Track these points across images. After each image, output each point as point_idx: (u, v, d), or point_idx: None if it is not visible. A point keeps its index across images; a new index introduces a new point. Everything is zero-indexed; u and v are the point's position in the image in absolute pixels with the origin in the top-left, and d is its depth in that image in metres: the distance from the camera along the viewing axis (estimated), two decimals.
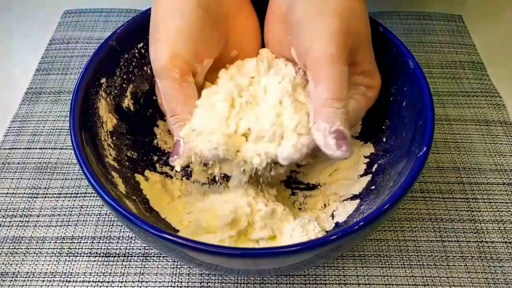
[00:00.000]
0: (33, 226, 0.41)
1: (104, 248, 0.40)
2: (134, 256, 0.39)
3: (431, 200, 0.43)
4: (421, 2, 0.61)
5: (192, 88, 0.34)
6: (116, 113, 0.39)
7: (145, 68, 0.41)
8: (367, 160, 0.40)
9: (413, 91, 0.35)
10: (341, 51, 0.31)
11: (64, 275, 0.38)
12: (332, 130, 0.29)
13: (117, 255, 0.39)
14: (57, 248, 0.40)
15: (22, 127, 0.48)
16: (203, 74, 0.36)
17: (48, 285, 0.38)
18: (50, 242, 0.40)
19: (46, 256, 0.39)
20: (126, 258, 0.39)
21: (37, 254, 0.39)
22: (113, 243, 0.40)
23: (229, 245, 0.34)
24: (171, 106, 0.34)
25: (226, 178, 0.38)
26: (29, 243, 0.40)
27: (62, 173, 0.45)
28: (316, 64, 0.31)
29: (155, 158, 0.41)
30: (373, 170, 0.39)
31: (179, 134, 0.33)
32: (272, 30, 0.38)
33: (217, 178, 0.36)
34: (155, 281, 0.38)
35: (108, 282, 0.38)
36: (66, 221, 0.41)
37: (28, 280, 0.38)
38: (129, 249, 0.40)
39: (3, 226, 0.41)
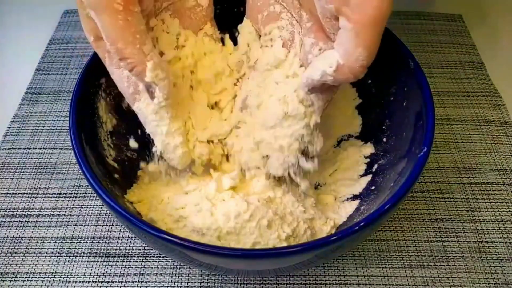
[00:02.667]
0: (33, 226, 0.41)
1: (104, 248, 0.40)
2: (134, 256, 0.39)
3: (431, 200, 0.43)
4: (421, 2, 0.61)
5: (140, 21, 0.28)
6: (116, 113, 0.39)
7: None
8: (367, 160, 0.40)
9: (413, 91, 0.35)
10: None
11: (64, 275, 0.38)
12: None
13: (117, 255, 0.39)
14: (57, 248, 0.40)
15: (22, 127, 0.48)
16: None
17: (48, 285, 0.38)
18: (50, 242, 0.40)
19: (46, 256, 0.39)
20: (126, 258, 0.39)
21: (37, 254, 0.39)
22: (113, 243, 0.40)
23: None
24: (117, 47, 0.27)
25: None
26: (29, 243, 0.40)
27: (62, 173, 0.45)
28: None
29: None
30: (373, 170, 0.38)
31: (144, 79, 0.28)
32: None
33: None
34: (155, 281, 0.38)
35: (108, 282, 0.38)
36: (66, 221, 0.41)
37: (28, 280, 0.38)
38: (129, 249, 0.40)
39: (3, 226, 0.41)
